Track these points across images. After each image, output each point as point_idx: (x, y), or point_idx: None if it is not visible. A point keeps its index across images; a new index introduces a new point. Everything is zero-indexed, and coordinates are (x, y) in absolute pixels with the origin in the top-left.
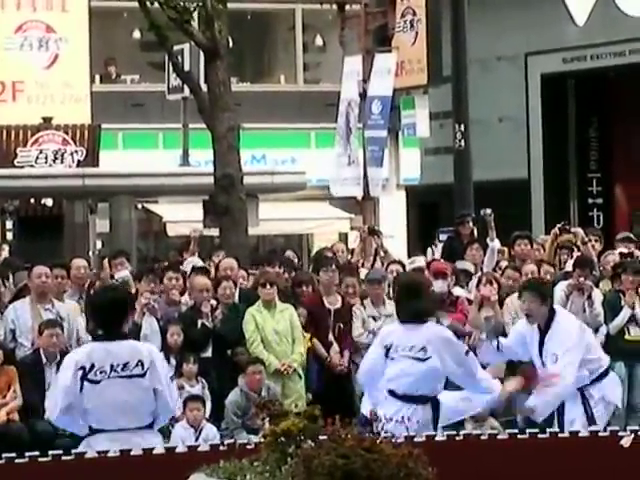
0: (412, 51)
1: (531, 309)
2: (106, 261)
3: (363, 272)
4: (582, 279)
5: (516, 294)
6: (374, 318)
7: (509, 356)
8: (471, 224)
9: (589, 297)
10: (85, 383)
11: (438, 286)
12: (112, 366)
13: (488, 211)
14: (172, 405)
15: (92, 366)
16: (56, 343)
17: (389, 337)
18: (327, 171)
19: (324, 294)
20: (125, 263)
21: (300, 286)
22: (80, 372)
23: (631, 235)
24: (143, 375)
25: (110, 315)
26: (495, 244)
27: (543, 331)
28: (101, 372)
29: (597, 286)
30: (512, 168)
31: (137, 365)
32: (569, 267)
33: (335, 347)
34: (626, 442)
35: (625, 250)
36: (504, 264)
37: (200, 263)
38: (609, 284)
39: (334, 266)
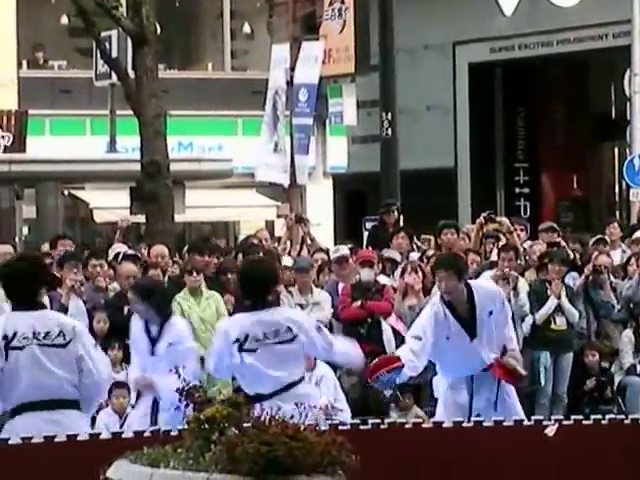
0: (340, 39)
1: (449, 287)
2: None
3: (287, 260)
4: (507, 270)
5: None
6: (301, 306)
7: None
8: (396, 213)
9: (514, 287)
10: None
11: (365, 274)
12: (34, 334)
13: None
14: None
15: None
16: None
17: None
18: (254, 158)
19: None
20: (72, 245)
21: (225, 273)
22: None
23: (554, 225)
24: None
25: (23, 285)
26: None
27: (470, 303)
28: (24, 338)
29: (522, 276)
30: (439, 157)
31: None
32: (495, 256)
33: None
34: (550, 431)
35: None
36: (430, 253)
37: (124, 250)
38: (534, 274)
39: (261, 254)
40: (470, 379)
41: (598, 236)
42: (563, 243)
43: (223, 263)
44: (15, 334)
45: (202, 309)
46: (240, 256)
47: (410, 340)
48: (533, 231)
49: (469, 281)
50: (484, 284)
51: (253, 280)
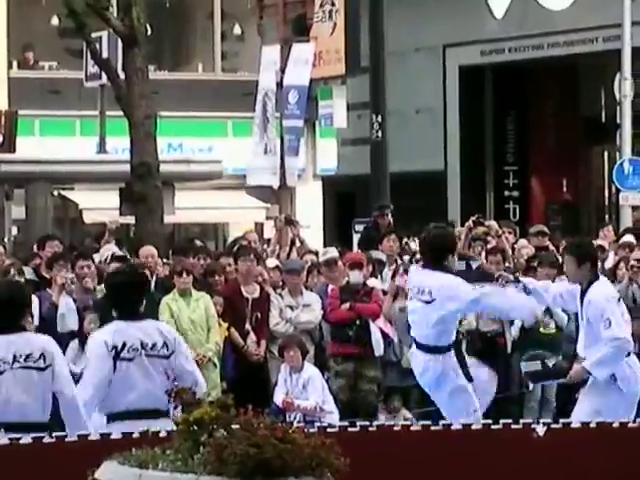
0: (330, 41)
1: (569, 271)
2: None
3: (273, 261)
4: (494, 268)
5: None
6: (291, 307)
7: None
8: (390, 216)
9: None
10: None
11: (354, 276)
12: (142, 345)
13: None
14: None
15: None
16: None
17: None
18: (244, 160)
19: (242, 283)
20: (61, 247)
21: (212, 275)
22: None
23: (544, 228)
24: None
25: (129, 295)
26: None
27: (583, 292)
28: (134, 350)
29: None
30: (429, 160)
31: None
32: (483, 260)
33: (252, 336)
34: (541, 431)
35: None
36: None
37: (116, 251)
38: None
39: (252, 255)
40: None
41: (598, 242)
42: (552, 247)
43: (210, 265)
44: (124, 345)
45: (192, 310)
46: (229, 258)
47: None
48: (522, 234)
49: (599, 281)
50: (601, 289)
51: None
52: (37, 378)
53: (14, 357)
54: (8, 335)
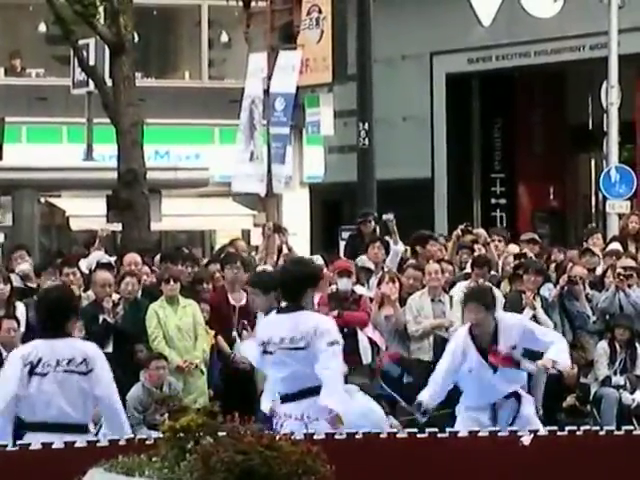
0: (317, 49)
1: (480, 318)
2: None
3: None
4: (481, 280)
5: (418, 293)
6: None
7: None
8: (373, 223)
9: None
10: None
11: (343, 284)
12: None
13: (390, 216)
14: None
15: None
16: None
17: None
18: (231, 167)
19: (229, 291)
20: (25, 256)
21: (200, 283)
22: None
23: (535, 236)
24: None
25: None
26: (399, 248)
27: (493, 337)
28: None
29: (498, 287)
30: (416, 167)
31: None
32: (469, 268)
33: (239, 344)
34: (526, 441)
35: (527, 251)
36: (408, 263)
37: (105, 258)
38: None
39: (239, 263)
40: (492, 405)
41: (586, 246)
42: (530, 254)
43: (198, 273)
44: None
45: (179, 317)
46: (217, 265)
47: (437, 369)
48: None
49: (496, 315)
50: (507, 317)
51: None
52: (79, 382)
53: (57, 361)
54: (53, 340)
